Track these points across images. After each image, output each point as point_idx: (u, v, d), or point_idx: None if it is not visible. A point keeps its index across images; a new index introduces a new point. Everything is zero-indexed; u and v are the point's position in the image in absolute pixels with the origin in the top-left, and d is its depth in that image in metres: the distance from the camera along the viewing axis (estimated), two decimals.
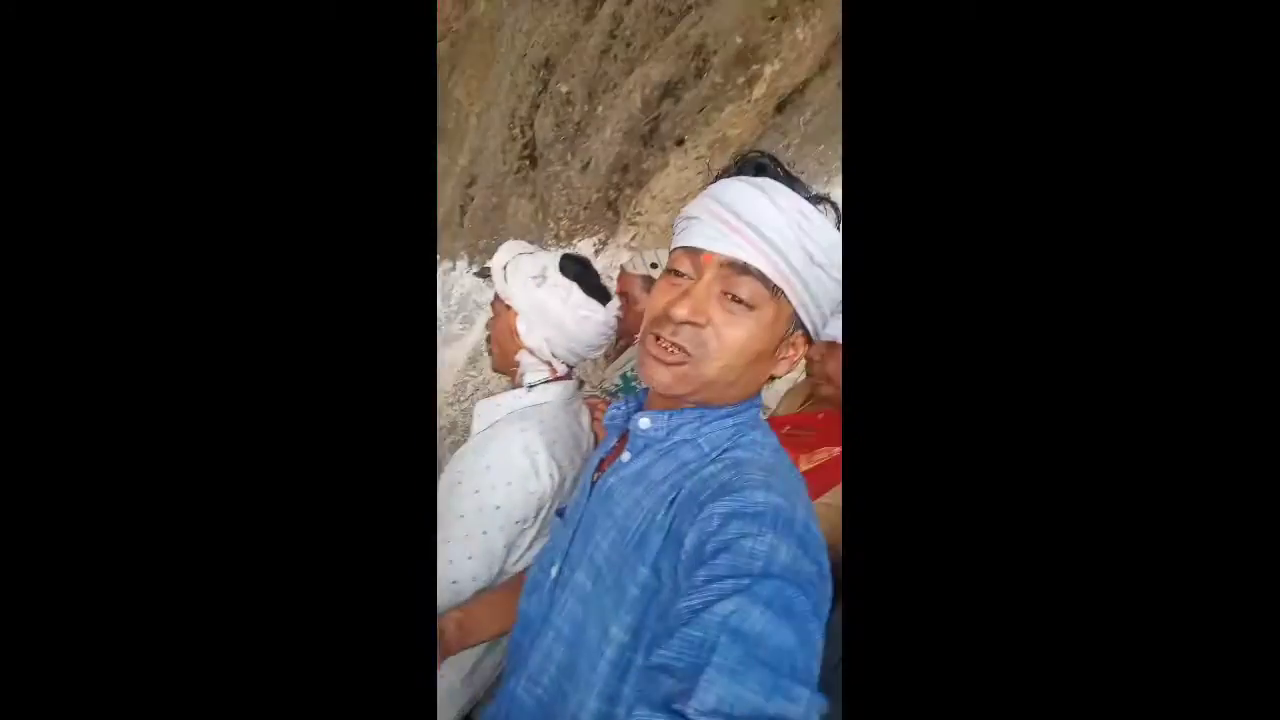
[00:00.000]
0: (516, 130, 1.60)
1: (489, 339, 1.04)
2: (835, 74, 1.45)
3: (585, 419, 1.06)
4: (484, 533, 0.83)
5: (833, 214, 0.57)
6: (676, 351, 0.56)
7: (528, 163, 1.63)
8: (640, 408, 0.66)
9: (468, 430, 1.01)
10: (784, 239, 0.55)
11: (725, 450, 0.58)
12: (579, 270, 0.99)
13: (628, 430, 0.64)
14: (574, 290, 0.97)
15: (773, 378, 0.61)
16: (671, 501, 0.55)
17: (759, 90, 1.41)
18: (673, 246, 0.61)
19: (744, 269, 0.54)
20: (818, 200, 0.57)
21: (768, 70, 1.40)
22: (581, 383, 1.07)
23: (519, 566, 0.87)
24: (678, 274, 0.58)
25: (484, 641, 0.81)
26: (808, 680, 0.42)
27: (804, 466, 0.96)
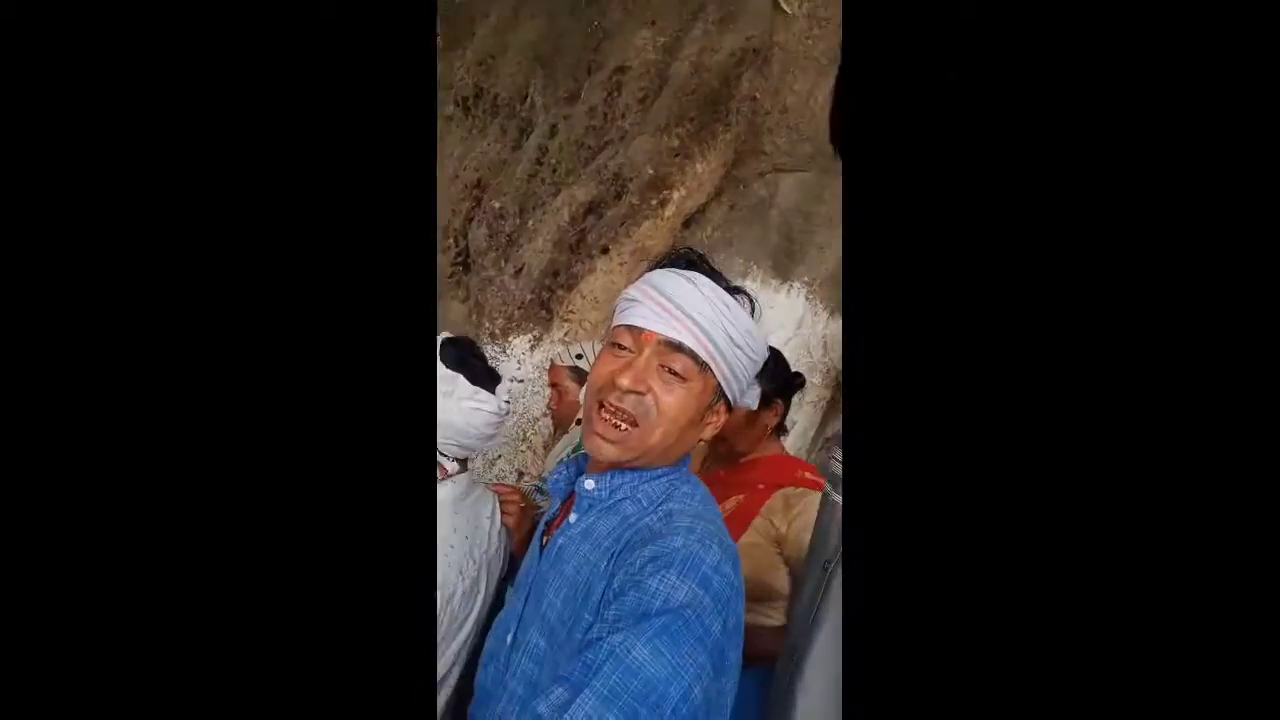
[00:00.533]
0: (450, 241, 1.73)
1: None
2: (728, 199, 1.75)
3: (490, 508, 1.05)
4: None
5: (748, 304, 0.69)
6: (623, 419, 0.64)
7: (461, 268, 1.74)
8: (581, 472, 0.73)
9: None
10: (710, 323, 0.65)
11: (660, 504, 0.65)
12: (459, 356, 0.96)
13: (573, 493, 0.71)
14: (459, 381, 0.95)
15: (700, 440, 0.72)
16: (614, 554, 0.61)
17: (669, 210, 1.67)
18: (615, 323, 0.70)
19: (678, 347, 0.64)
20: (735, 291, 0.69)
21: (675, 195, 1.67)
22: (520, 474, 1.10)
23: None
24: (620, 347, 0.67)
25: None
26: (671, 710, 0.48)
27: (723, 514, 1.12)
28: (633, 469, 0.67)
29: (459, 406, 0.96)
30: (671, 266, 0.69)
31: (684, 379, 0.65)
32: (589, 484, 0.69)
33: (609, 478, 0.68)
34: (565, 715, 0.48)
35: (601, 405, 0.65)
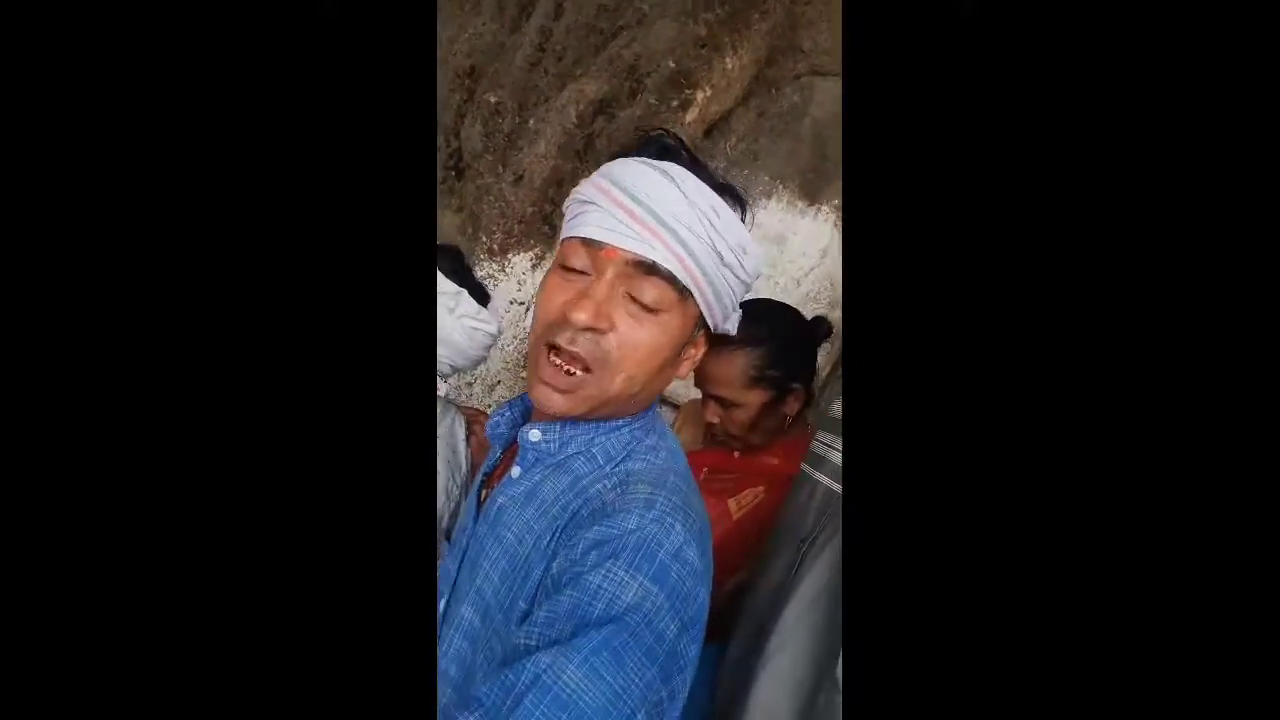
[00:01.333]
0: (442, 140, 1.52)
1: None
2: (756, 104, 1.54)
3: (460, 432, 0.98)
4: None
5: (738, 206, 0.53)
6: (577, 364, 0.50)
7: (454, 174, 1.55)
8: (528, 414, 0.59)
9: None
10: (695, 237, 0.49)
11: (619, 461, 0.53)
12: (454, 266, 0.90)
13: (516, 441, 0.58)
14: (463, 298, 0.89)
15: (676, 377, 0.57)
16: (559, 527, 0.50)
17: (691, 115, 1.47)
18: (564, 235, 0.53)
19: (651, 269, 0.49)
20: (723, 190, 0.52)
21: (699, 96, 1.46)
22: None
23: None
24: (572, 270, 0.51)
25: None
26: None
27: (734, 513, 0.96)
28: (588, 420, 0.54)
29: (461, 324, 0.87)
30: (640, 155, 0.52)
31: (656, 311, 0.50)
32: (534, 434, 0.55)
33: (559, 427, 0.54)
34: None
35: (551, 348, 0.50)
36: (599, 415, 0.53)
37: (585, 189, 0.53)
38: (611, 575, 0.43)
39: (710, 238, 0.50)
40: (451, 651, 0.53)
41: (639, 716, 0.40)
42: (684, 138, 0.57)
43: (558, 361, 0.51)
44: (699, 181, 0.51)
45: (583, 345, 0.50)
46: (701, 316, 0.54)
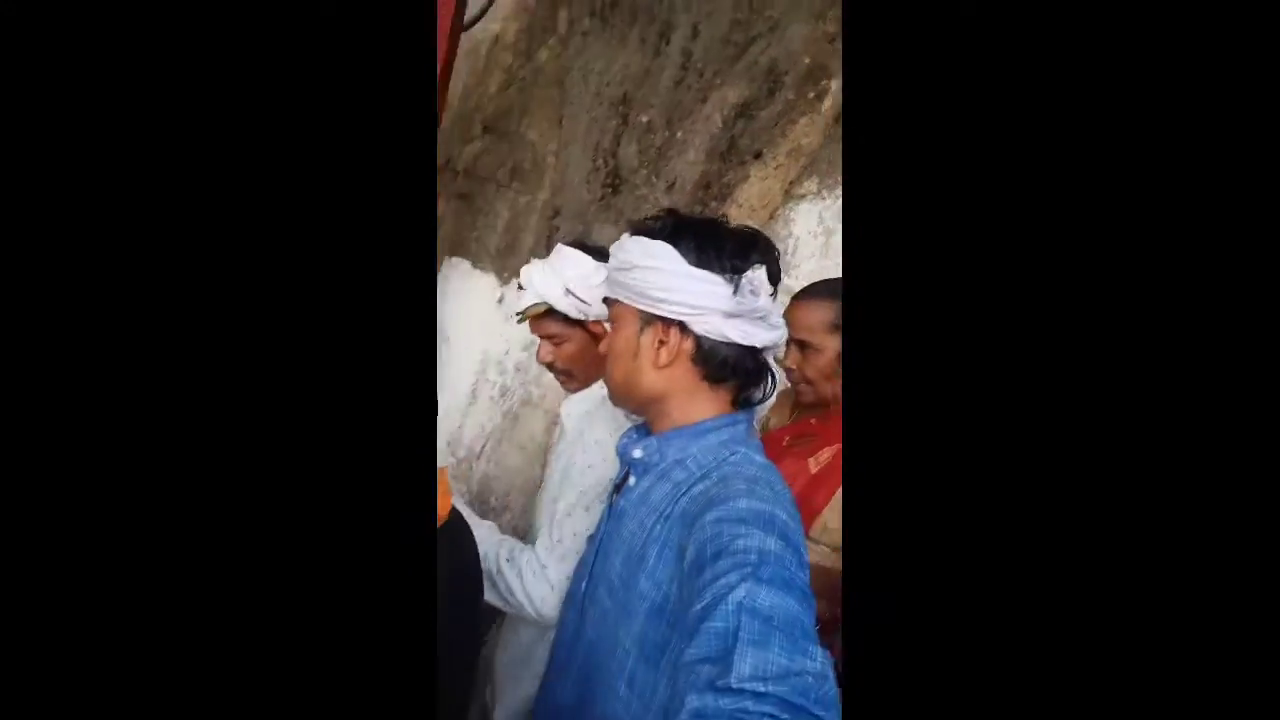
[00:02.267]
0: (600, 161, 1.74)
1: (554, 366, 1.06)
2: None
3: None
4: (586, 509, 0.92)
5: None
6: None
7: (610, 190, 1.76)
8: (642, 437, 0.75)
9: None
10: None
11: (713, 469, 0.64)
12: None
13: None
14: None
15: (663, 367, 0.69)
16: (666, 518, 0.64)
17: (827, 103, 1.54)
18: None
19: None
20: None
21: (833, 85, 1.54)
22: None
23: None
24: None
25: None
26: (815, 638, 0.48)
27: (813, 469, 1.04)
28: (674, 428, 0.69)
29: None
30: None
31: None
32: (637, 452, 0.71)
33: (655, 443, 0.70)
34: (731, 676, 0.45)
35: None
36: (636, 408, 0.75)
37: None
38: (750, 538, 0.53)
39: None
40: (593, 622, 0.70)
41: (808, 621, 0.50)
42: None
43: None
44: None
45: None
46: (636, 320, 0.72)
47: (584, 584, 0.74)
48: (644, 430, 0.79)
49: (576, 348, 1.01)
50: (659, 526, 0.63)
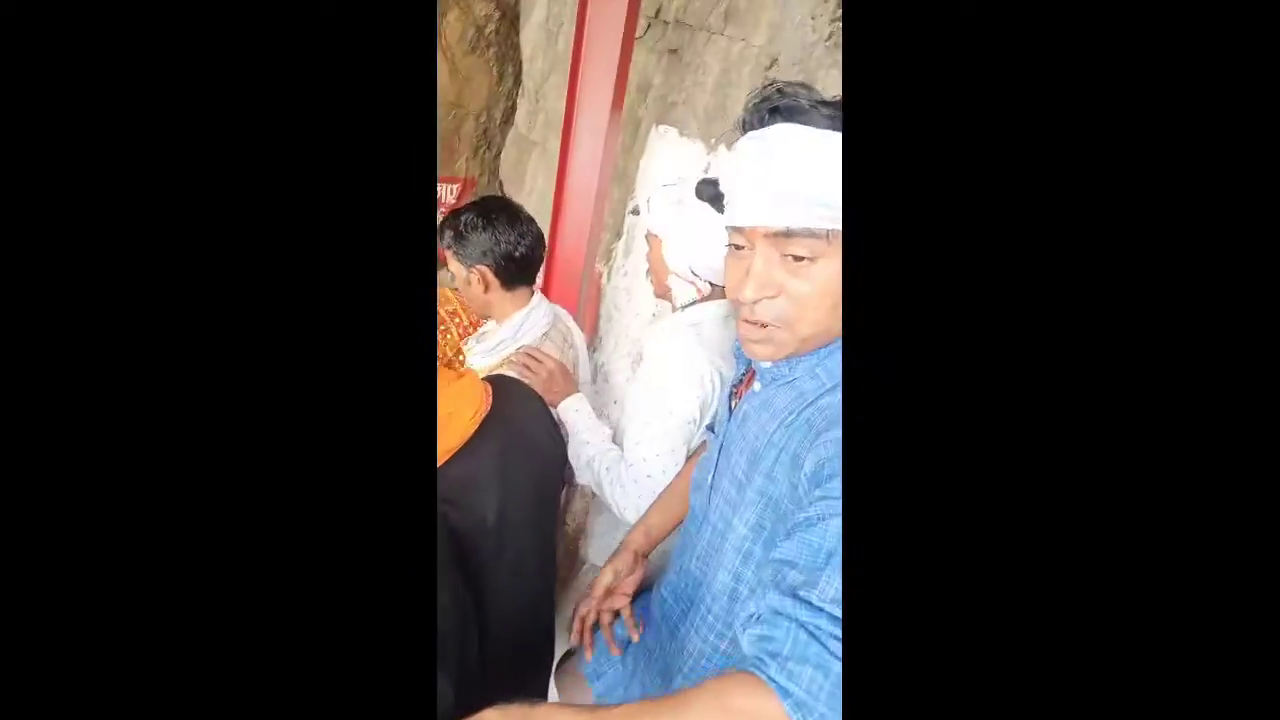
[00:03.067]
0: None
1: (648, 270, 1.11)
2: None
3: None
4: (666, 436, 1.00)
5: (827, 118, 0.56)
6: (763, 327, 0.61)
7: (841, 24, 1.45)
8: None
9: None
10: (809, 188, 0.56)
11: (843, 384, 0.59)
12: (713, 193, 0.98)
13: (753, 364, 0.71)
14: (709, 212, 0.98)
15: None
16: (787, 425, 0.63)
17: None
18: (724, 224, 0.64)
19: (787, 233, 0.57)
20: (813, 109, 0.56)
21: None
22: None
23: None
24: (736, 247, 0.63)
25: (670, 533, 0.97)
26: None
27: None
28: (809, 351, 0.64)
29: (711, 236, 0.99)
30: (747, 133, 0.60)
31: (814, 259, 0.58)
32: (767, 362, 0.67)
33: (786, 357, 0.66)
34: (815, 592, 0.49)
35: (742, 318, 0.63)
36: (807, 349, 0.64)
37: (723, 176, 0.64)
38: None
39: (825, 178, 0.55)
40: (718, 510, 0.73)
41: None
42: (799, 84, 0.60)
43: (749, 323, 0.63)
44: (789, 133, 0.56)
45: (762, 312, 0.61)
46: None
47: (710, 476, 0.77)
48: None
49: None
50: (780, 433, 0.64)
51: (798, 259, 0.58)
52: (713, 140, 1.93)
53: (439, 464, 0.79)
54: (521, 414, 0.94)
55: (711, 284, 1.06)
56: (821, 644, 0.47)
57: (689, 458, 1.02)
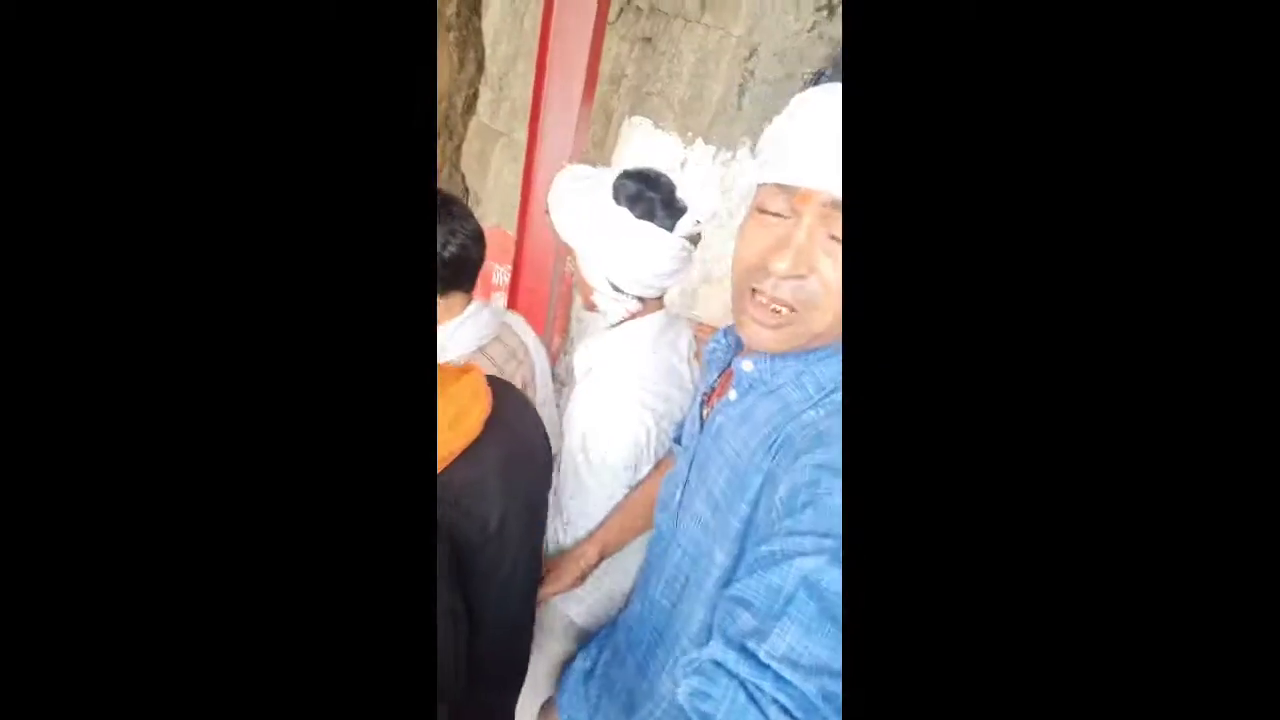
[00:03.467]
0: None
1: (574, 280, 0.96)
2: None
3: (684, 346, 1.00)
4: (602, 487, 0.91)
5: None
6: (780, 310, 0.52)
7: (825, 13, 1.38)
8: (741, 344, 0.64)
9: None
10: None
11: (830, 392, 0.55)
12: (636, 190, 0.86)
13: (732, 366, 0.65)
14: (626, 217, 0.86)
15: None
16: (771, 444, 0.56)
17: None
18: (760, 181, 0.53)
19: (839, 204, 0.49)
20: None
21: None
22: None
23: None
24: (769, 214, 0.52)
25: (622, 548, 0.92)
26: None
27: None
28: (798, 353, 0.57)
29: (633, 244, 0.87)
30: (824, 77, 0.39)
31: None
32: (746, 365, 0.61)
33: (770, 360, 0.59)
34: (765, 646, 0.43)
35: (754, 294, 0.54)
36: (806, 348, 0.56)
37: (777, 128, 0.53)
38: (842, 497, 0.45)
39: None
40: (689, 533, 0.65)
41: None
42: None
43: (763, 302, 0.54)
44: None
45: (786, 290, 0.52)
46: None
47: (679, 494, 0.70)
48: (735, 334, 0.70)
49: None
50: (764, 458, 0.57)
51: (838, 240, 0.51)
52: (689, 134, 1.85)
53: (446, 465, 0.71)
54: (519, 419, 0.85)
55: (640, 299, 0.93)
56: (760, 710, 0.41)
57: (653, 470, 0.95)
